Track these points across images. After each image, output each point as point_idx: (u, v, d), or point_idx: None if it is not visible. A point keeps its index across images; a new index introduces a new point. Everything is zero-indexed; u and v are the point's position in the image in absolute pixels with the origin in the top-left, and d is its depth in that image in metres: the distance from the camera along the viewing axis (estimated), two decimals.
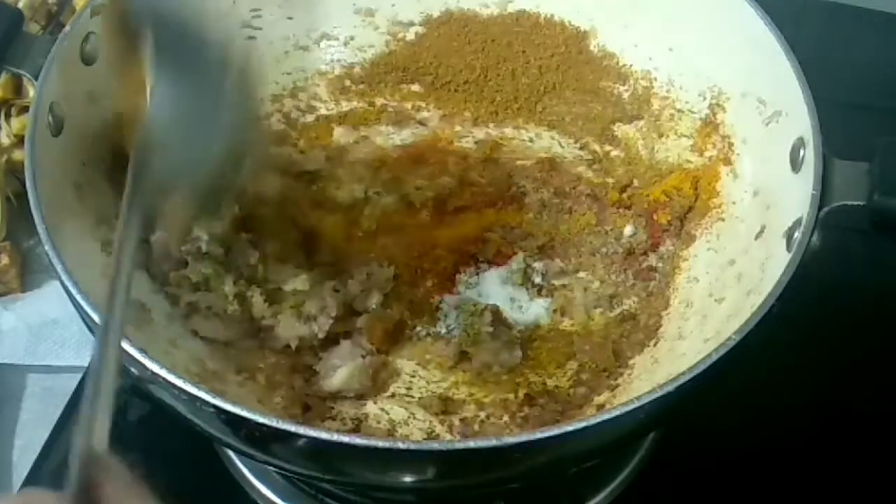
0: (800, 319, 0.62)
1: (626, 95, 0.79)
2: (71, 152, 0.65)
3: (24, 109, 0.82)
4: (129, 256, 0.50)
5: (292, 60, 0.81)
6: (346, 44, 0.82)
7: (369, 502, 0.68)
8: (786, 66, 0.65)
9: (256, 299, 0.66)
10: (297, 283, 0.67)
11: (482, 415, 0.65)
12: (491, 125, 0.80)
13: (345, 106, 0.81)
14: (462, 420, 0.64)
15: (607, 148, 0.78)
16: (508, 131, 0.80)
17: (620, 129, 0.79)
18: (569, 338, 0.69)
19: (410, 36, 0.83)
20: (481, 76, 0.81)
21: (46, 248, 0.57)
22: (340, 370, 0.64)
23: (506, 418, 0.65)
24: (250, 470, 0.70)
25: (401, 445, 0.50)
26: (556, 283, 0.72)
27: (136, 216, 0.51)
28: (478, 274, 0.72)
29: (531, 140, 0.80)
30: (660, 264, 0.72)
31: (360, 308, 0.69)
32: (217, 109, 0.58)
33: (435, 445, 0.53)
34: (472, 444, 0.51)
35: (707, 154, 0.73)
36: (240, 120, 0.61)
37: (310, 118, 0.80)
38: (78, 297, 0.55)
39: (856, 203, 0.59)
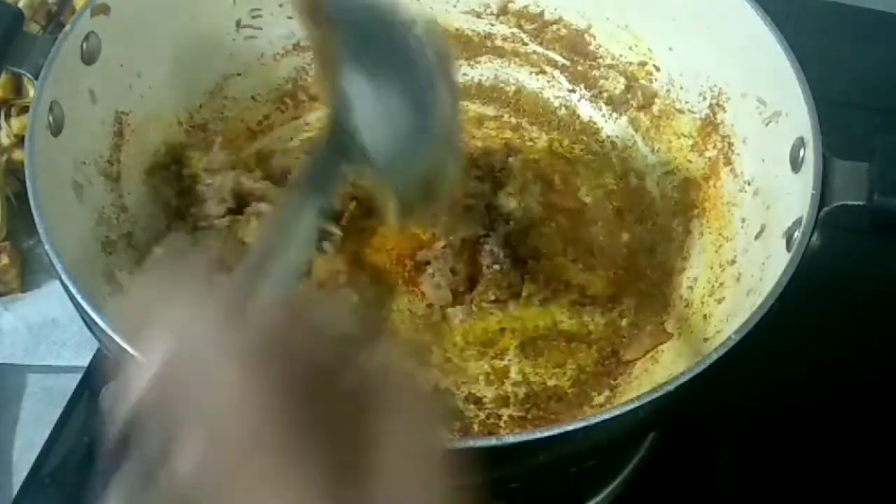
0: (800, 319, 0.62)
1: (626, 96, 0.79)
2: (71, 152, 0.65)
3: (24, 109, 0.82)
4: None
5: (293, 60, 0.81)
6: None
7: None
8: (786, 66, 0.65)
9: None
10: None
11: (482, 415, 0.65)
12: (492, 124, 0.80)
13: None
14: (462, 420, 0.64)
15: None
16: (509, 132, 0.80)
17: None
18: (569, 338, 0.69)
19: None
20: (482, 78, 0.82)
21: (46, 248, 0.57)
22: None
23: (505, 418, 0.65)
24: None
25: None
26: None
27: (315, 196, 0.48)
28: None
29: (531, 140, 0.80)
30: (660, 264, 0.72)
31: None
32: (421, 107, 0.53)
33: None
34: (472, 443, 0.51)
35: (707, 154, 0.73)
36: (443, 126, 0.55)
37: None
38: (78, 297, 0.55)
39: (856, 203, 0.59)
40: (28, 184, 0.59)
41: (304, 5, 0.56)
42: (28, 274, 0.80)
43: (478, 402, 0.65)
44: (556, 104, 0.81)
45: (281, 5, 0.80)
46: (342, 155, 0.51)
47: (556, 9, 0.81)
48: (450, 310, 0.70)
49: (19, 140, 0.82)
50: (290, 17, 0.81)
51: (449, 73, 0.56)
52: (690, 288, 0.70)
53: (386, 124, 0.52)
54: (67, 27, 0.66)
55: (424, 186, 0.55)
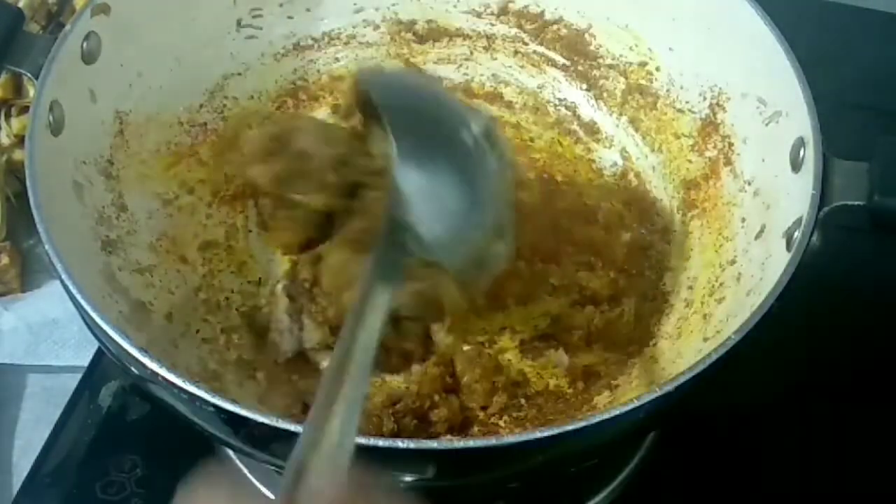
0: (800, 319, 0.62)
1: (626, 96, 0.79)
2: (71, 152, 0.65)
3: (24, 109, 0.82)
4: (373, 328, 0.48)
5: (293, 60, 0.81)
6: (346, 43, 0.82)
7: None
8: (786, 65, 0.65)
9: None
10: None
11: (482, 415, 0.65)
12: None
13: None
14: (462, 419, 0.64)
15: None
16: (510, 131, 0.80)
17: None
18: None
19: (411, 35, 0.83)
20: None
21: (46, 247, 0.57)
22: None
23: (506, 418, 0.65)
24: (250, 470, 0.70)
25: (400, 445, 0.50)
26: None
27: (384, 288, 0.50)
28: None
29: (531, 140, 0.80)
30: (660, 264, 0.72)
31: None
32: (473, 196, 0.56)
33: (434, 445, 0.53)
34: (471, 444, 0.51)
35: (707, 154, 0.73)
36: (497, 208, 0.57)
37: None
38: (78, 297, 0.55)
39: (856, 203, 0.59)
40: (28, 184, 0.59)
41: (355, 99, 0.57)
42: (28, 274, 0.81)
43: (478, 402, 0.65)
44: (557, 104, 0.81)
45: (281, 5, 0.80)
46: (402, 248, 0.53)
47: (556, 9, 0.81)
48: None
49: (19, 140, 0.82)
50: (290, 17, 0.81)
51: (502, 161, 0.58)
52: (690, 288, 0.70)
53: (440, 216, 0.54)
54: (68, 27, 0.66)
55: (478, 266, 0.57)
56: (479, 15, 0.83)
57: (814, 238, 0.57)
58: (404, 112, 0.56)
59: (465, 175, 0.55)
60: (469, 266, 0.56)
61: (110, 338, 0.53)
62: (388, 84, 0.58)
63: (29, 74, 0.65)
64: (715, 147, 0.73)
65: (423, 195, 0.54)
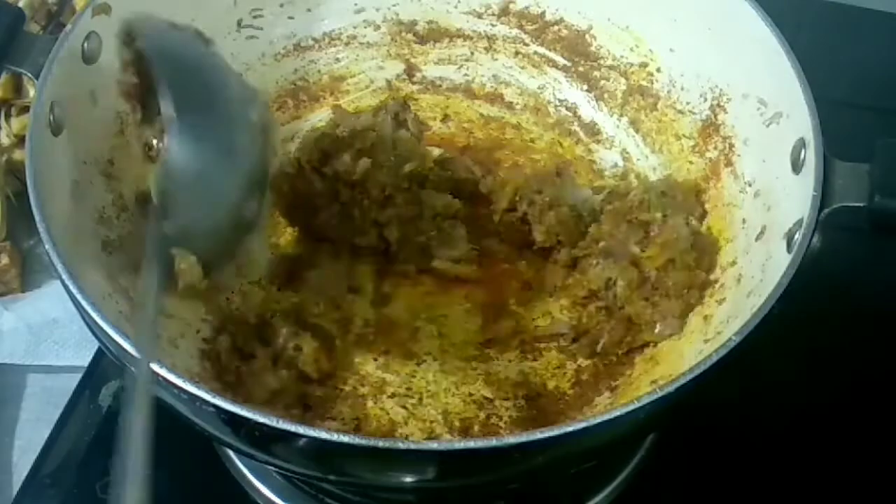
0: (800, 321, 0.62)
1: (627, 97, 0.79)
2: (71, 152, 0.65)
3: (25, 109, 0.82)
4: (153, 303, 0.52)
5: (293, 60, 0.81)
6: (347, 44, 0.82)
7: (369, 502, 0.68)
8: (786, 66, 0.65)
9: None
10: None
11: (482, 415, 0.65)
12: (493, 125, 0.81)
13: (347, 105, 0.81)
14: (462, 420, 0.64)
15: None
16: (510, 132, 0.80)
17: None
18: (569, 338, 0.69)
19: (412, 36, 0.83)
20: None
21: (46, 247, 0.57)
22: None
23: (506, 418, 0.65)
24: (250, 470, 0.70)
25: (401, 445, 0.50)
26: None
27: (158, 264, 0.54)
28: None
29: (532, 140, 0.80)
30: None
31: None
32: (234, 159, 0.58)
33: (435, 445, 0.53)
34: (471, 444, 0.51)
35: (708, 155, 0.73)
36: (256, 168, 0.60)
37: None
38: (78, 297, 0.55)
39: (856, 204, 0.59)
40: (28, 184, 0.59)
41: (130, 57, 0.59)
42: (28, 274, 0.81)
43: (478, 402, 0.65)
44: (557, 105, 0.81)
45: (282, 5, 0.80)
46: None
47: (557, 10, 0.81)
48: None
49: (19, 140, 0.82)
50: (291, 18, 0.81)
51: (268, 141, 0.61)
52: None
53: (196, 205, 0.58)
54: (69, 27, 0.66)
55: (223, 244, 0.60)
56: (479, 16, 0.83)
57: (814, 239, 0.57)
58: (185, 84, 0.57)
59: (227, 149, 0.58)
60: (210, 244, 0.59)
61: (110, 338, 0.53)
62: (168, 48, 0.59)
63: (29, 74, 0.65)
64: (716, 148, 0.73)
65: (188, 162, 0.56)
